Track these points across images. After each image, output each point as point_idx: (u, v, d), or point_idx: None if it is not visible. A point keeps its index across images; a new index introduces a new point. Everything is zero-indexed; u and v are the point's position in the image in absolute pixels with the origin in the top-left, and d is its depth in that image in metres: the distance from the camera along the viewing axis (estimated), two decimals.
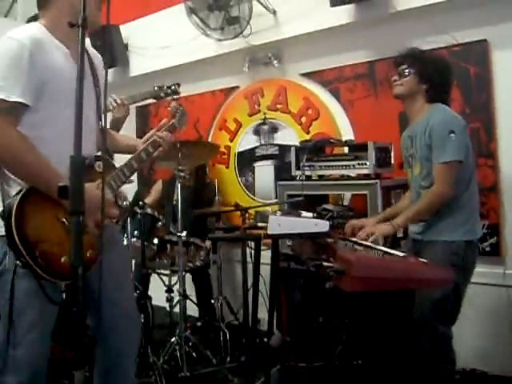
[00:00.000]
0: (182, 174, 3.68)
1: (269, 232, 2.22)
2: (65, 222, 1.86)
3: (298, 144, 4.01)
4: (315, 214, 2.64)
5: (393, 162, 3.59)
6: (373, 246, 2.41)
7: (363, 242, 2.55)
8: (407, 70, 2.83)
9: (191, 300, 4.37)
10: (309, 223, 2.25)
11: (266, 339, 2.54)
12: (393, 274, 1.89)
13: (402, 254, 2.13)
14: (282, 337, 2.50)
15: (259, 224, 2.41)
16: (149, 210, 3.85)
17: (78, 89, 1.14)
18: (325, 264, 2.00)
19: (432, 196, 2.69)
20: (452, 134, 2.62)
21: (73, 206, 1.11)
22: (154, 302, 4.01)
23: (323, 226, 2.22)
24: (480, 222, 2.89)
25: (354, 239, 2.61)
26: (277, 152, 4.76)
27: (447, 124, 2.67)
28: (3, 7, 6.73)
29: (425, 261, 2.08)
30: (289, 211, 3.11)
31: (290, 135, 4.61)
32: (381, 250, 2.21)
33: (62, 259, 1.84)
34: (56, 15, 2.00)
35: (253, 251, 2.69)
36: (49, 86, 1.91)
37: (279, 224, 2.22)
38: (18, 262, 1.81)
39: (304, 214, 2.49)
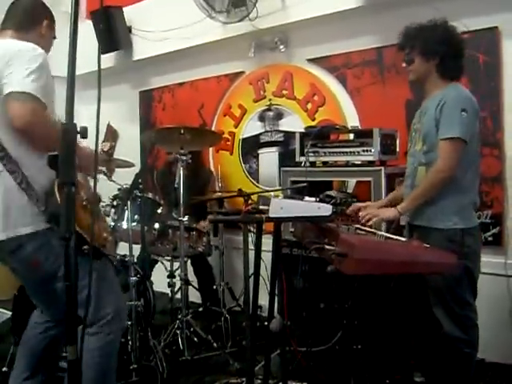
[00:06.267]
0: (184, 158, 3.64)
1: (270, 215, 2.18)
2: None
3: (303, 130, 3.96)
4: (318, 200, 2.60)
5: (398, 149, 3.54)
6: (375, 231, 2.38)
7: (366, 228, 2.52)
8: (411, 55, 2.75)
9: (193, 286, 4.36)
10: (312, 207, 2.21)
11: (266, 323, 2.51)
12: (395, 257, 1.86)
13: (404, 239, 2.10)
14: (282, 321, 2.47)
15: (261, 207, 2.36)
16: (149, 195, 3.81)
17: (70, 52, 1.11)
18: (327, 247, 1.97)
19: (435, 173, 2.59)
20: (463, 113, 2.53)
21: (64, 177, 1.08)
22: (156, 288, 4.00)
23: (326, 209, 2.18)
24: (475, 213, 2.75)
25: (357, 225, 2.58)
26: (282, 139, 4.71)
27: (461, 102, 2.57)
28: None
29: (427, 245, 2.05)
30: (292, 196, 3.07)
31: (295, 122, 4.56)
32: (383, 235, 2.18)
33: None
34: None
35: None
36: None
37: (281, 207, 2.18)
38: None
39: (307, 198, 2.45)
